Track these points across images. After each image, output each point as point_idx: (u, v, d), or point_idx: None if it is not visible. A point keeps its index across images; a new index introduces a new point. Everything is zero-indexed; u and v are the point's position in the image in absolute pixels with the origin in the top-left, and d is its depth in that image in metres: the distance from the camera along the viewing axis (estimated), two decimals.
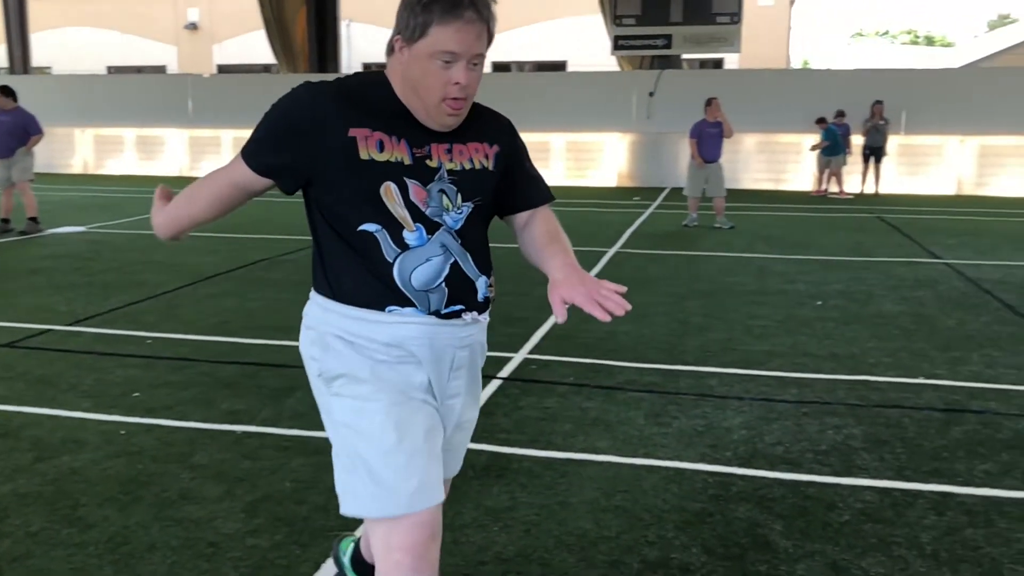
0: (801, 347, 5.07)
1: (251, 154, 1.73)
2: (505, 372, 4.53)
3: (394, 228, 1.67)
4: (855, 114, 15.11)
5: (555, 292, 1.64)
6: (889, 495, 3.09)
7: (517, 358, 4.79)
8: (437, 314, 1.70)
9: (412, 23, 1.63)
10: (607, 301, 1.58)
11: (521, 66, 25.80)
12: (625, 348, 5.02)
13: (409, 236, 1.67)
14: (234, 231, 9.37)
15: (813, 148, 15.08)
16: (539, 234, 1.82)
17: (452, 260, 1.70)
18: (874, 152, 15.20)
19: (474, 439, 3.60)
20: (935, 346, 5.09)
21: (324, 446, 3.51)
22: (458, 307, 1.72)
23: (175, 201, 1.87)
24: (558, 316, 1.60)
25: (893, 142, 15.41)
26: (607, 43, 18.29)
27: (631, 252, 8.75)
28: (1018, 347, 5.07)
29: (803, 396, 4.20)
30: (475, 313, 1.75)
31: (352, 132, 1.65)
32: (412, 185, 1.67)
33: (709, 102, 10.55)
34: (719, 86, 14.73)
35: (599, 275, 7.10)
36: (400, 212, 1.66)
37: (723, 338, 5.28)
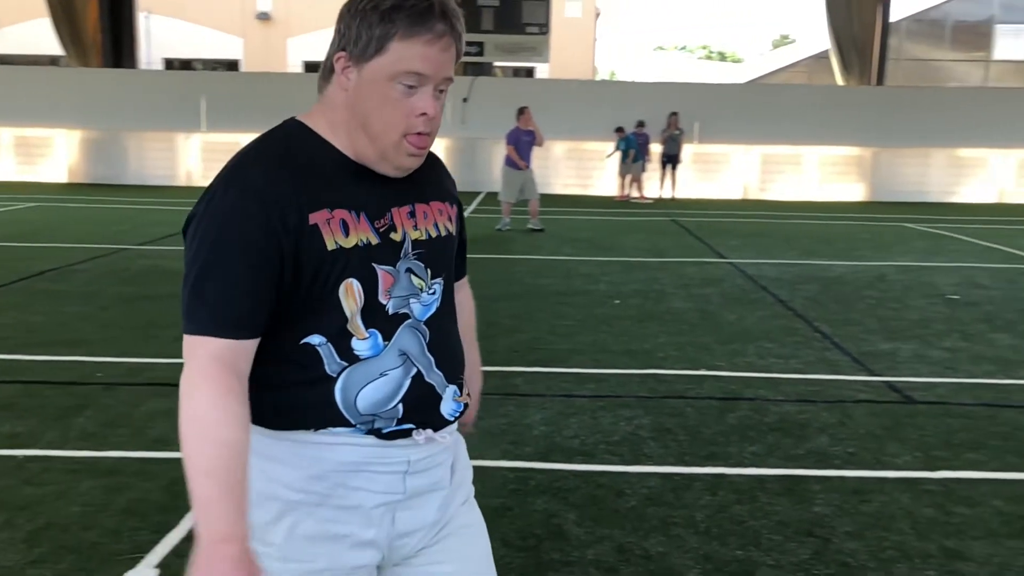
0: (600, 344, 5.39)
1: (230, 321, 1.22)
2: None
3: (342, 337, 1.28)
4: (656, 124, 16.11)
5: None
6: (671, 480, 3.38)
7: None
8: (377, 434, 1.31)
9: (364, 35, 1.24)
10: None
11: None
12: None
13: (360, 345, 1.29)
14: (15, 239, 8.62)
15: (608, 156, 15.97)
16: (462, 326, 1.50)
17: (414, 372, 1.32)
18: (671, 160, 16.28)
19: None
20: (717, 340, 5.57)
21: (117, 466, 3.37)
22: (407, 425, 1.33)
23: (229, 492, 1.19)
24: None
25: (688, 150, 16.56)
26: None
27: None
28: (787, 339, 5.64)
29: (599, 391, 4.48)
30: (430, 431, 1.34)
31: (312, 218, 1.25)
32: (381, 273, 1.29)
33: (521, 111, 10.92)
34: (530, 94, 15.23)
35: None
36: (354, 317, 1.28)
37: (530, 338, 5.51)
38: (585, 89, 18.65)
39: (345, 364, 1.29)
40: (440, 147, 17.25)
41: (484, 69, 18.46)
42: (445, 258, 1.40)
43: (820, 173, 16.90)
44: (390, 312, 1.30)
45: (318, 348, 1.28)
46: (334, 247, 1.25)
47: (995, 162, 16.58)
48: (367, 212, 1.29)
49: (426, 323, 1.34)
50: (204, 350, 1.20)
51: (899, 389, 4.61)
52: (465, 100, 17.14)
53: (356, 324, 1.28)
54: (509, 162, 10.94)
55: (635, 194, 15.99)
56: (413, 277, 1.33)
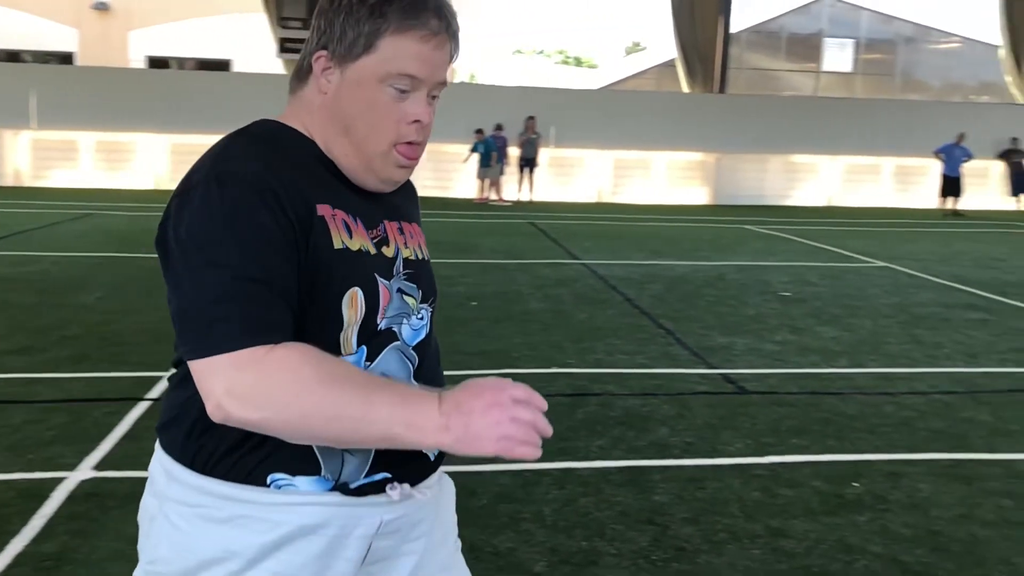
0: (456, 345, 5.44)
1: (264, 324, 1.05)
2: (154, 393, 4.32)
3: (332, 351, 1.10)
4: (514, 127, 16.36)
5: None
6: (521, 476, 3.47)
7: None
8: (344, 489, 1.13)
9: (350, 32, 1.11)
10: None
11: (182, 63, 24.30)
12: None
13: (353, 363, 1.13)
14: None
15: (465, 160, 16.12)
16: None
17: None
18: (528, 163, 16.58)
19: (117, 465, 3.45)
20: (569, 338, 5.75)
21: None
22: (380, 476, 1.15)
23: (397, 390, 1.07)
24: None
25: (544, 154, 16.92)
26: (274, 45, 17.90)
27: None
28: (633, 335, 5.89)
29: None
30: (407, 486, 1.17)
31: (320, 210, 1.11)
32: (382, 287, 1.15)
33: None
34: None
35: None
36: (348, 330, 1.12)
37: None
38: (444, 91, 18.67)
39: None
40: None
41: None
42: (431, 283, 1.26)
43: (668, 177, 17.67)
44: (380, 329, 1.15)
45: None
46: (340, 246, 1.10)
47: (824, 167, 17.86)
48: (362, 218, 1.16)
49: (416, 349, 1.19)
50: (249, 359, 1.01)
51: (734, 380, 4.91)
52: None
53: (348, 337, 1.12)
54: None
55: (494, 197, 16.18)
56: (405, 297, 1.18)
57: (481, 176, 16.15)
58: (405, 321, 1.18)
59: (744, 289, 7.76)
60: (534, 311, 6.61)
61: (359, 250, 1.13)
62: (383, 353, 1.15)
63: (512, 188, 16.65)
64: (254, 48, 23.47)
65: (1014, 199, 17.43)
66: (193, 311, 1.03)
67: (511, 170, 16.52)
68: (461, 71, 38.42)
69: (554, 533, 3.00)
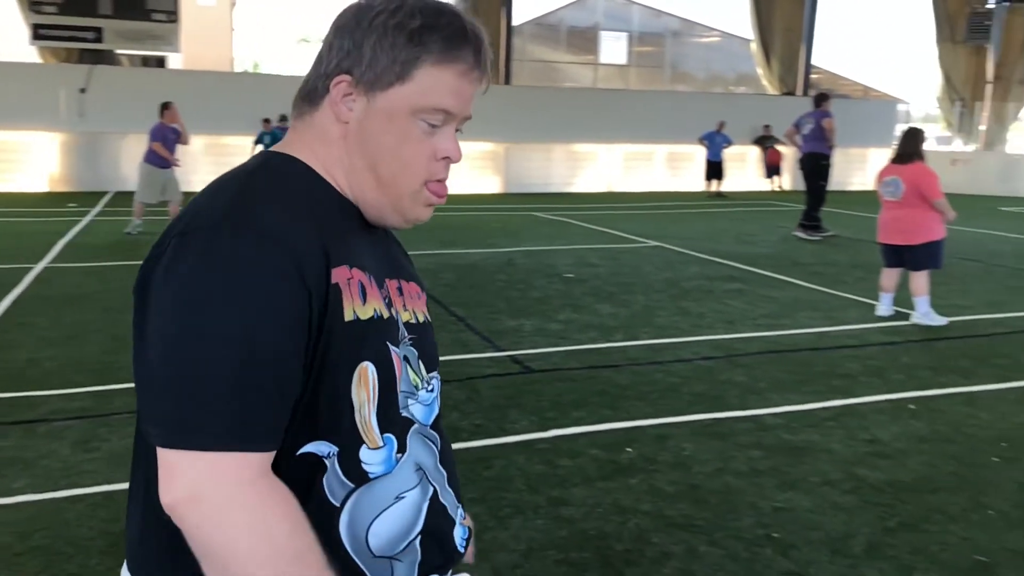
0: None
1: (261, 426, 0.89)
2: None
3: (349, 444, 0.96)
4: None
5: None
6: None
7: None
8: None
9: (384, 58, 0.98)
10: None
11: None
12: (52, 375, 4.65)
13: (371, 457, 0.98)
14: None
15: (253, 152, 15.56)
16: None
17: (431, 492, 1.04)
18: None
19: None
20: None
21: None
22: None
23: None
24: None
25: None
26: (27, 31, 16.27)
27: (64, 266, 8.03)
28: None
29: None
30: None
31: (335, 275, 0.95)
32: (395, 357, 1.02)
33: (166, 106, 10.18)
34: (162, 85, 14.22)
35: (23, 296, 6.42)
36: (366, 414, 0.97)
37: None
38: (224, 81, 17.87)
39: (352, 486, 0.96)
40: (56, 142, 15.48)
41: (106, 57, 16.84)
42: (435, 350, 1.13)
43: (463, 167, 17.89)
44: (401, 413, 1.02)
45: (325, 462, 0.94)
46: (351, 318, 0.94)
47: (604, 155, 18.87)
48: (375, 275, 1.02)
49: (432, 427, 1.07)
50: (231, 468, 0.85)
51: (520, 361, 5.12)
52: (83, 91, 15.52)
53: (370, 426, 0.97)
54: (152, 159, 10.14)
55: None
56: (409, 370, 1.05)
57: None
58: (413, 399, 1.04)
59: (532, 273, 8.07)
60: None
61: (371, 318, 0.97)
62: (410, 440, 1.02)
63: None
64: (2, 34, 21.20)
65: (767, 181, 19.29)
66: (174, 387, 0.85)
67: None
68: (243, 60, 36.75)
69: None
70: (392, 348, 1.00)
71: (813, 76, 23.05)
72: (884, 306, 6.46)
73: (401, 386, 1.01)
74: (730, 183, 18.03)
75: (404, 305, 1.07)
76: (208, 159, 16.36)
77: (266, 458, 0.88)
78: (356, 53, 0.99)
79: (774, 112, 19.28)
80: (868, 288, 7.05)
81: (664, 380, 4.78)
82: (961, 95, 21.67)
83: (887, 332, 6.01)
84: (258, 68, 40.82)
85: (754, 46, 21.62)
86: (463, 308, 6.47)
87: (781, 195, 18.10)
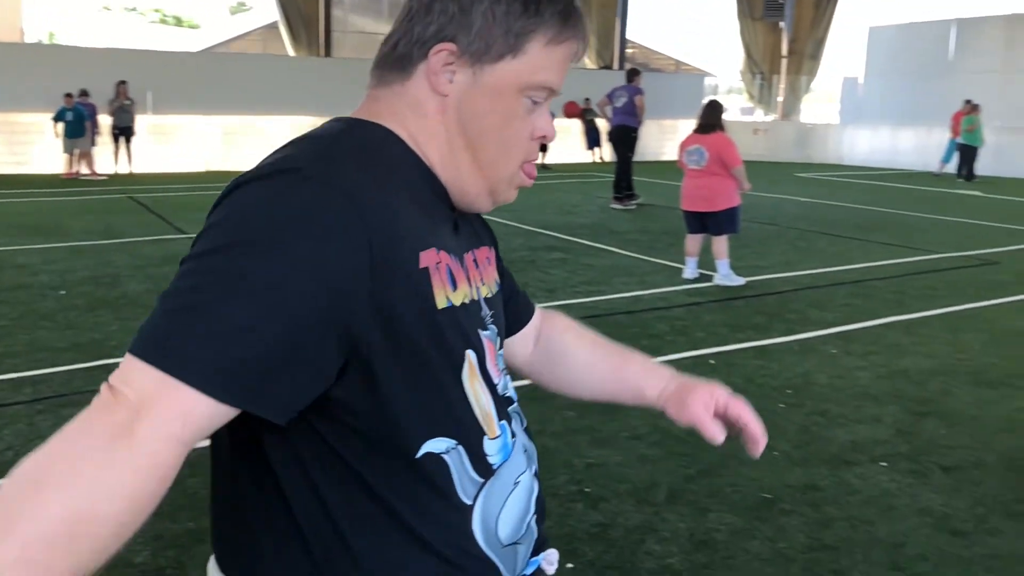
0: (41, 342, 4.92)
1: (243, 375, 0.74)
2: None
3: (473, 438, 0.90)
4: (103, 93, 14.82)
5: (696, 401, 1.10)
6: None
7: None
8: None
9: (497, 27, 0.88)
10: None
11: None
12: None
13: (491, 447, 0.92)
14: None
15: (58, 135, 14.36)
16: (571, 341, 1.21)
17: (534, 470, 1.00)
18: (123, 132, 15.21)
19: None
20: None
21: None
22: (538, 557, 1.01)
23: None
24: (716, 436, 1.08)
25: (142, 121, 15.62)
26: None
27: None
28: None
29: (39, 393, 4.11)
30: (552, 553, 1.05)
31: (423, 259, 0.85)
32: (486, 342, 0.95)
33: None
34: None
35: None
36: (484, 404, 0.91)
37: None
38: (13, 53, 16.29)
39: (482, 481, 0.90)
40: None
41: None
42: (503, 323, 1.05)
43: (281, 142, 17.22)
44: (500, 394, 0.95)
45: (446, 459, 0.86)
46: (444, 305, 0.86)
47: None
48: (458, 256, 0.93)
49: (518, 404, 1.03)
50: (172, 400, 0.72)
51: None
52: None
53: (489, 416, 0.91)
54: None
55: (85, 170, 14.62)
56: (498, 349, 0.99)
57: (69, 149, 14.48)
58: (505, 377, 1.00)
59: None
60: (135, 294, 6.17)
61: (462, 304, 0.90)
62: (513, 422, 0.97)
63: (107, 160, 15.17)
64: None
65: (589, 152, 19.97)
66: (172, 303, 0.75)
67: (104, 140, 15.02)
68: (36, 30, 33.66)
69: (160, 519, 2.91)
70: (483, 334, 0.94)
71: (629, 50, 24.00)
72: (689, 270, 6.91)
73: (499, 364, 0.97)
74: (554, 155, 18.51)
75: (481, 278, 0.99)
76: (1, 139, 14.97)
77: (219, 414, 0.74)
78: (463, 19, 0.88)
79: (592, 85, 19.93)
80: (677, 253, 7.50)
81: None
82: (760, 69, 23.28)
83: (692, 294, 6.45)
84: (53, 39, 37.51)
85: None
86: None
87: (602, 166, 18.81)
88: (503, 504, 0.92)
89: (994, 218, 10.90)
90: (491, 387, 0.93)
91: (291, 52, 18.90)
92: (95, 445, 0.69)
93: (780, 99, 23.32)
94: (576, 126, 20.11)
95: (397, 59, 0.92)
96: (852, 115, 22.01)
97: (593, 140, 19.88)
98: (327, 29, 19.16)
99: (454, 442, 0.86)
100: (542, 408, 4.01)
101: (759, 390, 4.26)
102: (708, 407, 1.09)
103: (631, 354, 1.21)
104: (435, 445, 0.85)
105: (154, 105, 16.04)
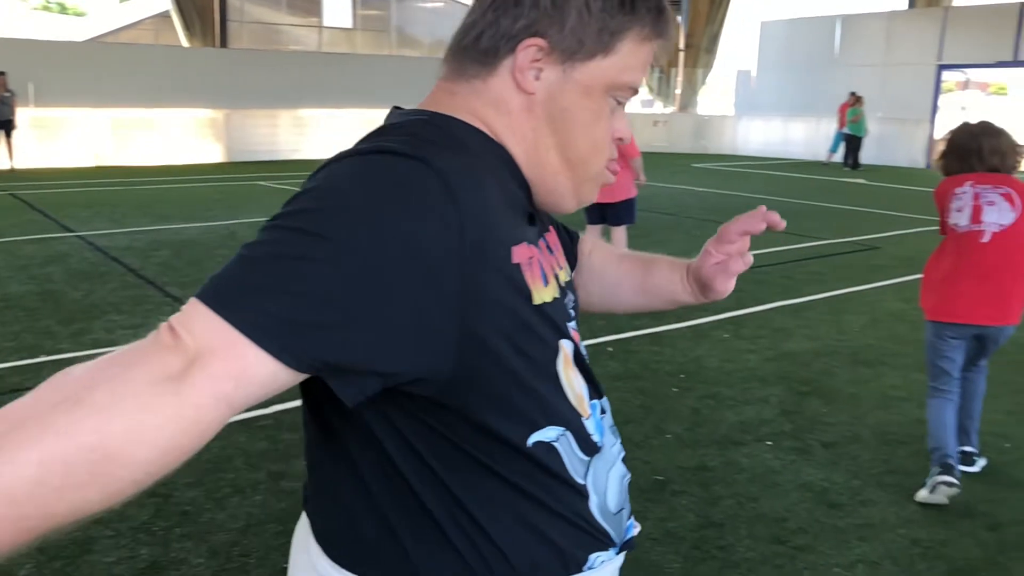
0: None
1: (307, 341, 0.70)
2: None
3: (575, 423, 0.90)
4: None
5: (712, 276, 1.11)
6: None
7: None
8: (628, 545, 1.00)
9: (593, 23, 0.85)
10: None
11: None
12: None
13: (590, 426, 0.93)
14: None
15: None
16: (597, 262, 1.23)
17: (619, 439, 1.03)
18: (3, 125, 14.41)
19: None
20: (60, 321, 5.26)
21: None
22: (632, 520, 1.03)
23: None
24: (727, 290, 1.12)
25: (23, 115, 14.83)
26: None
27: None
28: (138, 308, 5.61)
29: None
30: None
31: (516, 254, 0.82)
32: (572, 331, 0.94)
33: None
34: None
35: None
36: (577, 388, 0.91)
37: None
38: None
39: (588, 459, 0.91)
40: None
41: None
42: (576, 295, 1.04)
43: (177, 135, 16.78)
44: (589, 376, 0.97)
45: (556, 445, 0.87)
46: (539, 301, 0.85)
47: (331, 120, 18.53)
48: (541, 250, 0.91)
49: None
50: (234, 357, 0.68)
51: None
52: None
53: (582, 398, 0.91)
54: None
55: None
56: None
57: None
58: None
59: None
60: (15, 296, 5.88)
61: (554, 299, 0.88)
62: (602, 401, 0.98)
63: None
64: None
65: None
66: (256, 266, 0.71)
67: None
68: None
69: None
70: (570, 325, 0.93)
71: None
72: None
73: (582, 350, 0.96)
74: None
75: (559, 263, 0.97)
76: None
77: (277, 378, 0.71)
78: (556, 14, 0.84)
79: None
80: None
81: None
82: (659, 62, 23.81)
83: None
84: None
85: None
86: (179, 288, 6.15)
87: None
88: (607, 477, 0.94)
89: (876, 205, 11.49)
90: (584, 371, 0.93)
91: (185, 43, 18.26)
92: (143, 384, 0.65)
93: (678, 92, 23.91)
94: None
95: (481, 52, 0.86)
96: (746, 107, 22.77)
97: None
98: (222, 19, 18.59)
99: (561, 429, 0.87)
100: None
101: (654, 376, 4.39)
102: (724, 272, 1.11)
103: (653, 262, 1.21)
104: (544, 434, 0.86)
105: (36, 97, 15.25)
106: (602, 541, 0.93)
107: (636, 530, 1.02)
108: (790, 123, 21.27)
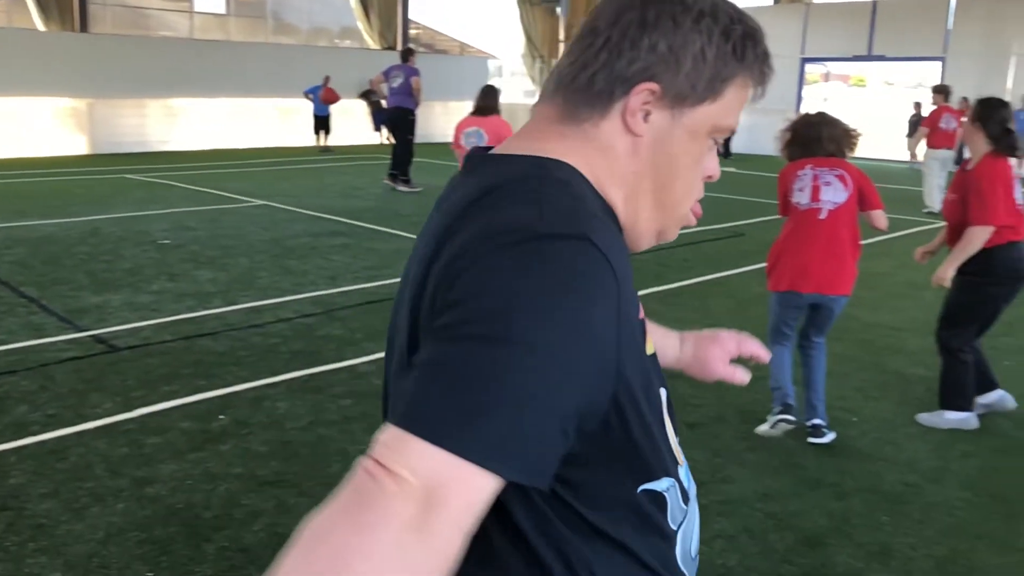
0: None
1: (530, 450, 0.70)
2: None
3: (676, 471, 0.91)
4: None
5: (714, 359, 1.21)
6: None
7: None
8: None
9: (708, 70, 0.84)
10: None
11: None
12: None
13: (682, 474, 0.94)
14: None
15: None
16: None
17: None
18: None
19: None
20: None
21: None
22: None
23: None
24: (744, 379, 1.20)
25: None
26: None
27: None
28: None
29: None
30: None
31: (640, 310, 0.86)
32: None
33: None
34: None
35: None
36: (672, 436, 0.93)
37: None
38: None
39: (687, 509, 0.93)
40: None
41: None
42: None
43: (36, 126, 15.76)
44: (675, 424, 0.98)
45: (665, 495, 0.88)
46: (650, 351, 0.89)
47: (206, 110, 17.85)
48: None
49: None
50: (466, 490, 0.67)
51: (105, 340, 4.76)
52: None
53: (676, 447, 0.93)
54: None
55: None
56: None
57: None
58: None
59: (121, 242, 7.46)
60: None
61: (653, 352, 0.92)
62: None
63: None
64: None
65: (376, 133, 19.77)
66: (459, 382, 0.69)
67: None
68: None
69: None
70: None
71: (414, 31, 23.96)
72: None
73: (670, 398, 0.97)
74: (338, 137, 18.17)
75: None
76: None
77: (492, 498, 0.71)
78: (672, 59, 0.83)
79: (377, 66, 19.73)
80: None
81: (263, 342, 4.78)
82: (540, 53, 24.05)
83: None
84: None
85: (353, 1, 21.81)
86: (36, 288, 5.80)
87: (388, 148, 18.69)
88: (692, 528, 0.96)
89: (744, 192, 12.00)
90: (672, 419, 0.95)
91: (40, 26, 17.15)
92: (391, 548, 0.64)
93: None
94: (361, 107, 19.85)
95: (595, 95, 0.85)
96: None
97: (380, 121, 19.69)
98: (82, 1, 17.56)
99: (672, 480, 0.89)
100: (318, 399, 3.98)
101: None
102: (726, 360, 1.21)
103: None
104: (657, 484, 0.87)
105: None
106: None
107: None
108: None
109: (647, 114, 0.85)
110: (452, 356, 0.70)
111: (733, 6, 0.87)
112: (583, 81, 0.85)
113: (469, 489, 0.68)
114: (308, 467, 3.29)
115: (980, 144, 3.66)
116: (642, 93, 0.83)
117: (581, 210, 0.79)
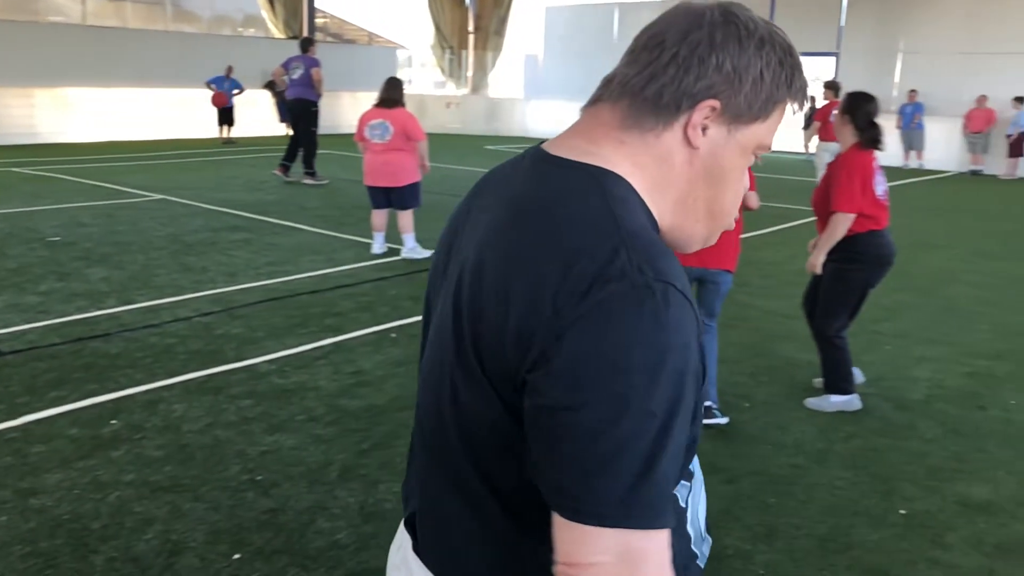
0: None
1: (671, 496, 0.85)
2: None
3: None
4: None
5: None
6: None
7: None
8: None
9: (764, 93, 0.91)
10: None
11: None
12: None
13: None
14: None
15: None
16: None
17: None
18: None
19: None
20: None
21: None
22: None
23: None
24: None
25: None
26: None
27: None
28: None
29: None
30: None
31: None
32: None
33: None
34: None
35: None
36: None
37: None
38: None
39: (689, 485, 1.04)
40: None
41: None
42: None
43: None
44: None
45: (676, 493, 1.00)
46: None
47: (101, 100, 17.10)
48: None
49: None
50: (652, 546, 0.80)
51: None
52: None
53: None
54: None
55: None
56: None
57: None
58: None
59: (6, 240, 7.11)
60: None
61: None
62: None
63: None
64: None
65: (282, 124, 19.34)
66: (623, 460, 0.77)
67: None
68: None
69: None
70: None
71: (320, 21, 23.51)
72: (377, 244, 7.02)
73: None
74: (242, 128, 17.70)
75: None
76: None
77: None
78: (735, 79, 0.89)
79: (282, 56, 19.26)
80: (367, 229, 7.56)
81: (160, 343, 4.64)
82: (450, 43, 23.95)
83: (378, 269, 6.56)
84: None
85: None
86: None
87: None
88: (699, 502, 1.06)
89: None
90: None
91: None
92: None
93: (469, 73, 24.20)
94: (265, 98, 19.39)
95: (662, 107, 0.90)
96: (534, 90, 23.44)
97: (285, 112, 19.27)
98: None
99: (688, 484, 1.03)
100: (216, 400, 3.90)
101: None
102: None
103: None
104: (680, 490, 1.02)
105: None
106: (696, 567, 1.05)
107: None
108: (576, 106, 21.84)
109: (705, 128, 0.90)
110: (583, 434, 0.78)
111: (783, 36, 0.93)
112: (652, 92, 0.90)
113: (654, 545, 0.79)
114: (205, 471, 3.22)
115: (848, 135, 3.86)
116: (705, 109, 0.89)
117: (655, 244, 0.85)
